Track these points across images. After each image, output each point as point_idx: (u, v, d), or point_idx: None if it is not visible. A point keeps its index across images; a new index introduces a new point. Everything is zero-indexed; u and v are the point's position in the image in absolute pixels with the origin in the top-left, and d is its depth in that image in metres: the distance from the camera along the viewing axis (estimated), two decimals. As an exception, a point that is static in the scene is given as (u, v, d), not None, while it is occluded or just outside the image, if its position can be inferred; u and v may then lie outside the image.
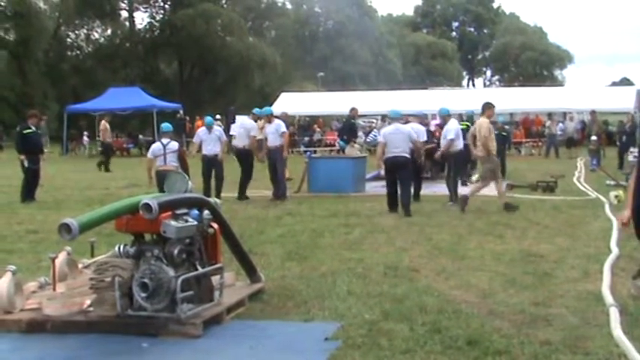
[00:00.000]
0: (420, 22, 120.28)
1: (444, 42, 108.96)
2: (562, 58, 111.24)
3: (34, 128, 19.60)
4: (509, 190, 20.28)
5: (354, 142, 24.87)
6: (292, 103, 47.02)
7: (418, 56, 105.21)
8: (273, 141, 19.12)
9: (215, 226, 8.08)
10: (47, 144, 40.69)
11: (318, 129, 46.27)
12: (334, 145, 37.98)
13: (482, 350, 6.54)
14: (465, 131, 22.63)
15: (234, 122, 43.10)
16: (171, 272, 7.23)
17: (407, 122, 18.18)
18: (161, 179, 14.56)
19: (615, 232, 12.58)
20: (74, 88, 63.35)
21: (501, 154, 23.74)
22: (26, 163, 19.14)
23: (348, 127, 27.64)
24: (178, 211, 7.51)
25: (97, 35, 74.47)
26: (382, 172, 19.84)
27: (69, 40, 72.58)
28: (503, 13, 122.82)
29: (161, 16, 73.48)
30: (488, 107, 16.73)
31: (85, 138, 45.72)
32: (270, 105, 45.60)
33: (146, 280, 7.17)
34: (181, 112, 44.40)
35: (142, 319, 7.30)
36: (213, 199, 8.55)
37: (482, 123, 16.48)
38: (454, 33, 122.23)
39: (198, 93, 67.51)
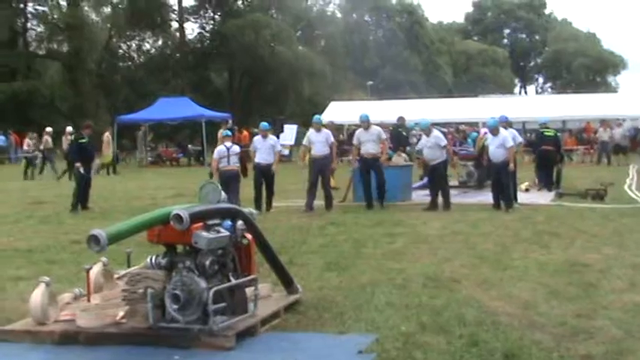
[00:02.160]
0: (470, 29, 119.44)
1: (494, 49, 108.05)
2: (616, 64, 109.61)
3: (87, 138, 20.07)
4: (558, 199, 20.02)
5: (402, 151, 24.70)
6: (341, 111, 46.87)
7: (469, 64, 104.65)
8: (321, 150, 18.92)
9: (249, 236, 7.97)
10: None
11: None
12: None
13: (519, 364, 6.35)
14: (551, 138, 22.90)
15: (282, 132, 43.39)
16: (203, 284, 7.13)
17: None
18: (225, 179, 17.20)
19: (665, 241, 12.29)
20: (126, 99, 63.90)
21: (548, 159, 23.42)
22: (82, 171, 19.66)
23: (396, 135, 27.48)
24: (210, 222, 7.42)
25: (148, 46, 75.29)
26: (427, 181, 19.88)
27: (120, 51, 73.28)
28: (556, 19, 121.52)
29: (211, 26, 74.07)
30: None
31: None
32: (320, 114, 45.74)
33: (178, 292, 7.09)
34: (230, 121, 44.41)
35: (174, 331, 7.22)
36: (248, 210, 8.41)
37: None
38: (505, 40, 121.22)
39: (248, 102, 67.77)
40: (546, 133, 23.80)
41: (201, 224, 7.29)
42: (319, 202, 18.69)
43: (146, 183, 29.84)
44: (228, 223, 7.62)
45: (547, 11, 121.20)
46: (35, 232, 15.59)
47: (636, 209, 17.61)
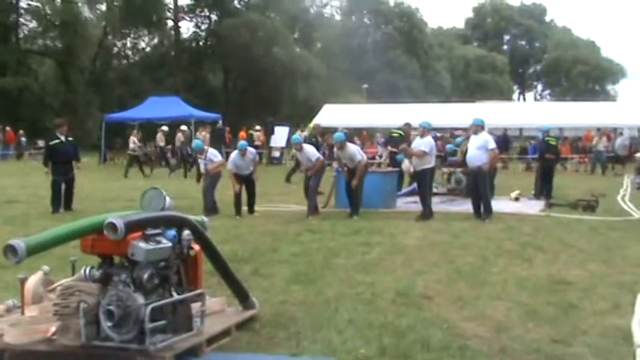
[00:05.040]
0: (470, 35, 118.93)
1: (494, 55, 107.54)
2: (615, 73, 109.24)
3: (62, 138, 19.21)
4: (547, 209, 19.37)
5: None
6: (335, 114, 46.26)
7: (468, 69, 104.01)
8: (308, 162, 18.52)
9: (197, 247, 7.32)
10: None
11: (358, 142, 45.28)
12: (374, 159, 37.07)
13: (482, 399, 5.69)
14: (554, 147, 22.54)
15: (273, 133, 42.81)
16: (140, 299, 6.48)
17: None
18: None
19: (655, 257, 11.63)
20: (120, 97, 63.14)
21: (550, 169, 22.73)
22: (50, 176, 18.93)
23: (402, 141, 27.18)
24: (151, 231, 6.77)
25: (143, 44, 74.87)
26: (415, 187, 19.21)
27: (115, 48, 72.71)
28: (556, 27, 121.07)
29: (206, 25, 73.54)
30: None
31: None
32: (313, 117, 45.08)
33: (112, 308, 6.45)
34: (220, 122, 43.73)
35: (109, 351, 6.56)
36: (199, 217, 7.75)
37: None
38: (505, 46, 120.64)
39: (243, 103, 67.09)
40: (551, 142, 23.30)
41: (139, 234, 6.64)
42: (303, 207, 18.15)
43: (128, 182, 29.14)
44: (172, 232, 6.96)
45: (548, 18, 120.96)
46: (-4, 233, 14.91)
47: (627, 222, 16.97)
